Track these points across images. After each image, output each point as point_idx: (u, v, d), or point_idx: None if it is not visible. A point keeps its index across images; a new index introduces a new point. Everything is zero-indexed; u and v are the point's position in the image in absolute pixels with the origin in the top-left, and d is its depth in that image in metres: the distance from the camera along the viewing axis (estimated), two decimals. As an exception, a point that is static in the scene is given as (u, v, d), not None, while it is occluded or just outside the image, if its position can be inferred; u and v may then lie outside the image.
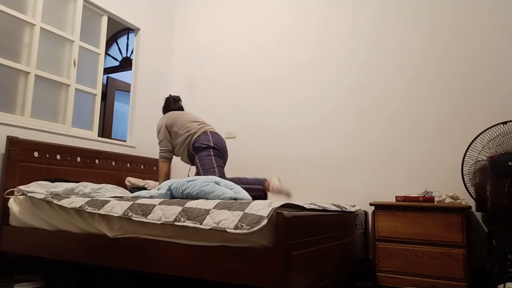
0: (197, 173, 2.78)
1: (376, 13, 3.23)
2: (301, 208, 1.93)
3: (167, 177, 2.90)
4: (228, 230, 1.66)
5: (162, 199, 2.03)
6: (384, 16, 3.19)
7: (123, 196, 2.48)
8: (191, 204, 1.87)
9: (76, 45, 3.27)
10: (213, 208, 1.79)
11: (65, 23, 3.25)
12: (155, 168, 3.79)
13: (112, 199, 2.14)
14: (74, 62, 3.25)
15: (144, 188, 3.17)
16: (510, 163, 2.08)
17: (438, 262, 2.37)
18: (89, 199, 2.19)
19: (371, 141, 3.11)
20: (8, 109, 2.79)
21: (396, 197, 2.62)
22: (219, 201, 1.88)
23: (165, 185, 2.31)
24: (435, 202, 2.53)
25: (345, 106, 3.25)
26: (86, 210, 2.10)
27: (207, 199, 2.05)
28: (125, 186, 3.25)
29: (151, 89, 3.93)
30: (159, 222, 1.85)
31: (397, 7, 3.15)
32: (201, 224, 1.74)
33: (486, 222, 2.62)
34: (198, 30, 4.10)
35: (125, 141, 3.75)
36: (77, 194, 2.42)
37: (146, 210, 1.93)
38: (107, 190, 2.59)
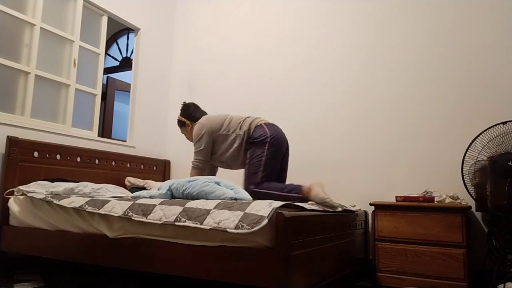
0: (245, 175, 2.56)
1: (376, 13, 3.23)
2: (301, 208, 1.93)
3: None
4: (228, 230, 1.66)
5: (162, 199, 2.03)
6: (384, 16, 3.19)
7: (123, 196, 2.48)
8: (191, 204, 1.87)
9: (76, 45, 3.27)
10: (214, 208, 1.79)
11: (65, 23, 3.24)
12: (155, 168, 3.79)
13: (112, 199, 2.14)
14: (74, 62, 3.25)
15: (144, 188, 3.17)
16: (510, 163, 2.08)
17: (438, 262, 2.37)
18: (89, 199, 2.19)
19: (371, 141, 3.11)
20: (8, 109, 2.79)
21: (396, 197, 2.62)
22: (220, 201, 1.88)
23: (165, 185, 2.31)
24: (435, 202, 2.53)
25: (345, 106, 3.25)
26: (86, 210, 2.10)
27: (207, 199, 2.05)
28: (125, 186, 3.25)
29: (151, 89, 3.93)
30: (160, 222, 1.85)
31: (397, 7, 3.15)
32: (201, 224, 1.74)
33: (486, 222, 2.62)
34: (198, 30, 4.10)
35: (125, 141, 3.75)
36: (77, 194, 2.42)
37: (147, 210, 1.93)
38: (107, 190, 2.59)
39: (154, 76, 3.98)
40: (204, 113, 2.88)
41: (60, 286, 2.20)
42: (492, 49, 2.79)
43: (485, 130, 2.25)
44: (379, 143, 3.08)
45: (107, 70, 5.22)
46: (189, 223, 1.77)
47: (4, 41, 2.80)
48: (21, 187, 2.47)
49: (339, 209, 2.30)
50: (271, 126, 2.62)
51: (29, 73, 2.92)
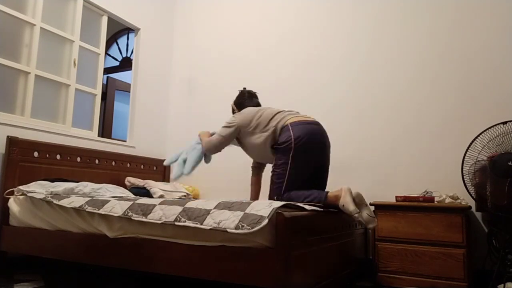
0: (270, 181, 2.33)
1: (376, 13, 3.23)
2: (301, 209, 1.93)
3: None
4: (229, 230, 1.66)
5: (162, 199, 2.03)
6: (384, 16, 3.20)
7: (123, 196, 2.49)
8: (191, 204, 1.88)
9: (76, 45, 3.27)
10: (214, 208, 1.80)
11: (65, 23, 3.24)
12: (155, 168, 3.79)
13: (112, 199, 2.14)
14: (74, 62, 3.24)
15: (144, 188, 3.17)
16: (510, 163, 2.08)
17: (438, 262, 2.37)
18: (89, 198, 2.19)
19: (371, 141, 3.11)
20: (8, 109, 2.79)
21: (396, 197, 2.62)
22: (220, 201, 1.88)
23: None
24: (435, 202, 2.53)
25: (345, 106, 3.25)
26: (86, 210, 2.10)
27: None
28: (125, 186, 3.25)
29: (151, 89, 3.93)
30: (159, 222, 1.85)
31: (397, 7, 3.15)
32: (201, 224, 1.74)
33: (486, 222, 2.62)
34: (198, 30, 4.09)
35: (125, 141, 3.75)
36: (77, 194, 2.42)
37: (146, 210, 1.93)
38: (107, 190, 2.59)
39: (154, 76, 3.98)
40: (254, 103, 2.67)
41: (60, 286, 2.20)
42: (492, 49, 2.79)
43: (485, 130, 2.25)
44: (379, 143, 3.08)
45: (107, 70, 5.22)
46: (189, 223, 1.77)
47: (4, 41, 2.80)
48: (21, 187, 2.47)
49: (370, 225, 2.02)
50: (298, 126, 2.29)
51: (29, 73, 2.92)
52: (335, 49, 3.36)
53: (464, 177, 2.28)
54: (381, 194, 2.96)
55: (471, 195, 2.27)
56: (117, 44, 5.43)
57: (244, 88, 2.81)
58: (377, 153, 3.07)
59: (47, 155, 2.81)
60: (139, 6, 3.85)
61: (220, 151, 2.57)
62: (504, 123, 2.20)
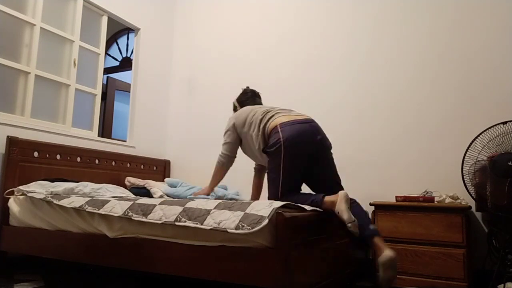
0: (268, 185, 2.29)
1: (376, 13, 3.23)
2: (302, 209, 1.93)
3: (216, 183, 2.57)
4: (229, 230, 1.66)
5: (162, 199, 2.03)
6: (384, 16, 3.20)
7: (123, 196, 2.48)
8: (191, 204, 1.87)
9: (76, 45, 3.27)
10: (214, 208, 1.80)
11: (65, 23, 3.24)
12: (155, 168, 3.78)
13: (112, 199, 2.14)
14: (74, 62, 3.24)
15: (144, 188, 3.17)
16: (510, 163, 2.08)
17: (438, 262, 2.37)
18: (89, 199, 2.19)
19: (371, 141, 3.11)
20: (8, 109, 2.79)
21: (396, 197, 2.62)
22: (220, 201, 1.88)
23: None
24: (435, 202, 2.53)
25: (345, 106, 3.25)
26: (86, 210, 2.10)
27: None
28: (125, 186, 3.25)
29: (151, 89, 3.93)
30: (160, 222, 1.85)
31: (397, 7, 3.15)
32: (202, 224, 1.74)
33: (486, 222, 2.62)
34: (198, 30, 4.09)
35: (125, 141, 3.75)
36: (77, 194, 2.42)
37: (146, 210, 1.93)
38: (107, 190, 2.59)
39: (154, 76, 3.98)
40: (256, 103, 2.64)
41: (60, 286, 2.20)
42: (492, 49, 2.79)
43: (485, 130, 2.25)
44: (379, 143, 3.08)
45: (107, 70, 5.22)
46: (189, 223, 1.77)
47: (4, 41, 2.80)
48: (21, 187, 2.47)
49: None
50: (288, 126, 2.20)
51: (29, 73, 2.92)
52: (335, 49, 3.36)
53: (464, 177, 2.28)
54: (381, 194, 2.96)
55: (471, 195, 2.27)
56: (117, 44, 5.43)
57: (247, 87, 2.79)
58: (377, 153, 3.07)
59: (47, 155, 2.81)
60: (139, 6, 3.85)
61: (235, 155, 2.52)
62: (504, 123, 2.20)
